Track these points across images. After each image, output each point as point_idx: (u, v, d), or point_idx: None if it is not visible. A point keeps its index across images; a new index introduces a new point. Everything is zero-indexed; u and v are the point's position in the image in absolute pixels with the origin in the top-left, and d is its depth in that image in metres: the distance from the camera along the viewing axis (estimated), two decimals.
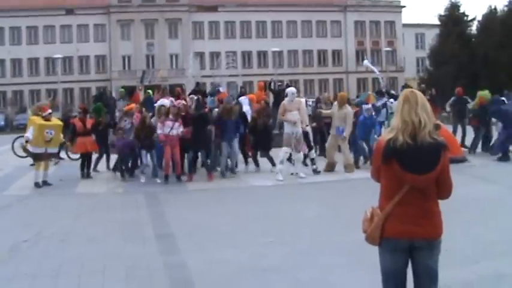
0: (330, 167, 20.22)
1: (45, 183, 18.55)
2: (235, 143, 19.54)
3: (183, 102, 20.57)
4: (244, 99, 23.78)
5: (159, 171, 19.37)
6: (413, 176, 5.19)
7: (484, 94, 24.43)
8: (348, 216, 13.04)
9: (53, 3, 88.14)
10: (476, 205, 13.89)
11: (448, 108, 26.63)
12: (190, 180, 18.98)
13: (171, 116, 18.56)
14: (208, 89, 33.58)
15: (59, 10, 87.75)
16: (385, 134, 5.45)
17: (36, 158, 18.59)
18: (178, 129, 18.47)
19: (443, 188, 5.41)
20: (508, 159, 21.78)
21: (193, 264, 9.44)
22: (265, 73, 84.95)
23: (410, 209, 5.29)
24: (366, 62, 30.81)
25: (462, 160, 21.24)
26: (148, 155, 19.22)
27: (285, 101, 19.21)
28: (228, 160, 19.85)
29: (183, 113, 19.18)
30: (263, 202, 15.38)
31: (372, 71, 28.94)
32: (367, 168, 19.72)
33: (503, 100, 23.84)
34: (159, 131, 18.52)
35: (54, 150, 19.26)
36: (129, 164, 19.72)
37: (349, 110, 20.35)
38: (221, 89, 27.09)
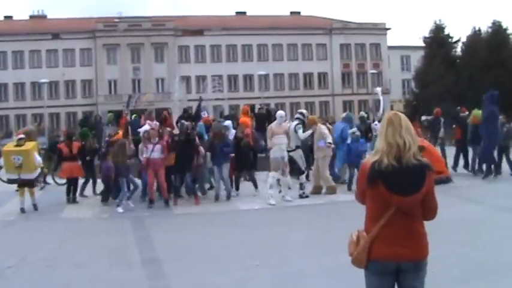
0: (316, 190, 20.25)
1: (35, 207, 18.50)
2: (225, 168, 19.35)
3: (157, 123, 20.45)
4: (228, 124, 23.71)
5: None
6: (400, 198, 5.18)
7: (478, 114, 24.64)
8: (335, 238, 13.03)
9: (39, 27, 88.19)
10: (463, 226, 13.94)
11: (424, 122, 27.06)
12: (174, 203, 18.98)
13: (152, 140, 18.59)
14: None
15: (45, 35, 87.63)
16: (370, 157, 5.44)
17: (18, 184, 18.62)
18: (159, 151, 18.51)
19: (429, 209, 5.41)
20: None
21: None
22: (251, 96, 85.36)
23: (396, 231, 5.28)
24: (378, 89, 30.73)
25: (447, 181, 21.37)
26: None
27: (273, 125, 19.24)
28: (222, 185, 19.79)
29: (165, 136, 19.23)
30: (250, 226, 15.37)
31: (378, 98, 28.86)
32: (352, 190, 19.84)
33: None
34: (141, 156, 18.62)
35: (30, 175, 18.58)
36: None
37: (318, 125, 20.52)
38: (203, 115, 26.96)
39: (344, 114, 24.98)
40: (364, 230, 5.47)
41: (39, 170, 19.33)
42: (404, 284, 5.42)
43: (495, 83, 62.34)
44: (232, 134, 21.66)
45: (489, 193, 19.60)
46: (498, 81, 62.75)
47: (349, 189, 20.14)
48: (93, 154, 21.09)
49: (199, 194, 19.95)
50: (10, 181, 18.93)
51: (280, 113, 19.80)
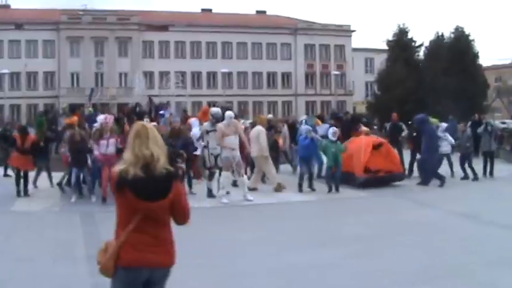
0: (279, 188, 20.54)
1: None
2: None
3: (112, 118, 20.33)
4: (194, 121, 23.57)
5: (95, 189, 19.28)
6: (146, 204, 5.30)
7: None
8: (284, 238, 13.12)
9: (2, 17, 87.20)
10: (413, 229, 14.09)
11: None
12: None
13: (104, 135, 18.37)
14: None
15: (8, 24, 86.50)
16: (118, 165, 5.47)
17: None
18: (114, 145, 18.27)
19: (179, 214, 5.58)
20: (443, 181, 22.14)
21: None
22: (214, 94, 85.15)
23: (144, 237, 5.37)
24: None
25: (401, 177, 21.79)
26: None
27: (222, 125, 18.87)
28: None
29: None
30: (199, 224, 15.18)
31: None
32: (310, 191, 20.02)
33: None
34: (95, 152, 18.42)
35: None
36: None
37: (258, 128, 21.31)
38: (166, 114, 27.02)
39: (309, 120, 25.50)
40: (114, 238, 5.49)
41: None
42: None
43: (456, 88, 62.92)
44: (195, 133, 21.52)
45: (441, 197, 19.72)
46: (459, 87, 63.25)
47: (300, 190, 20.41)
48: (47, 142, 20.92)
49: None
50: None
51: (228, 113, 19.66)
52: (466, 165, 23.92)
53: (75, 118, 22.15)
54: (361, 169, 21.17)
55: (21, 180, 19.85)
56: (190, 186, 19.96)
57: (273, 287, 9.29)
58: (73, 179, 18.66)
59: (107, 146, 18.16)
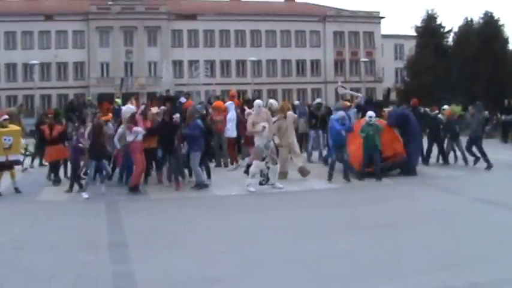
0: (283, 176, 20.31)
1: (16, 190, 18.33)
2: (194, 157, 18.66)
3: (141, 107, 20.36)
4: (230, 104, 23.49)
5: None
6: None
7: (451, 108, 24.73)
8: (306, 226, 13.18)
9: (32, 8, 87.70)
10: (435, 216, 14.03)
11: None
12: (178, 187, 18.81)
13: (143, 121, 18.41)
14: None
15: (38, 16, 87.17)
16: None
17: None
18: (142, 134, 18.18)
19: None
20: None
21: (141, 273, 9.40)
22: (243, 82, 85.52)
23: None
24: (340, 88, 30.47)
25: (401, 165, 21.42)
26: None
27: (252, 114, 19.16)
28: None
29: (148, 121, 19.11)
30: (224, 212, 15.38)
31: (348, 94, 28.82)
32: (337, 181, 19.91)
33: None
34: (129, 138, 18.03)
35: (17, 157, 18.70)
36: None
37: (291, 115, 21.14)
38: (182, 100, 27.01)
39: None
40: None
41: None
42: None
43: (486, 74, 62.46)
44: (232, 116, 21.58)
45: (467, 185, 19.63)
46: (488, 73, 62.79)
47: (330, 179, 20.03)
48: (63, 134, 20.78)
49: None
50: None
51: (257, 102, 19.66)
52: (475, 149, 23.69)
53: (110, 116, 21.80)
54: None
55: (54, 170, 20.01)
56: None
57: (289, 274, 9.33)
58: (91, 173, 18.13)
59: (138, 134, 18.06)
